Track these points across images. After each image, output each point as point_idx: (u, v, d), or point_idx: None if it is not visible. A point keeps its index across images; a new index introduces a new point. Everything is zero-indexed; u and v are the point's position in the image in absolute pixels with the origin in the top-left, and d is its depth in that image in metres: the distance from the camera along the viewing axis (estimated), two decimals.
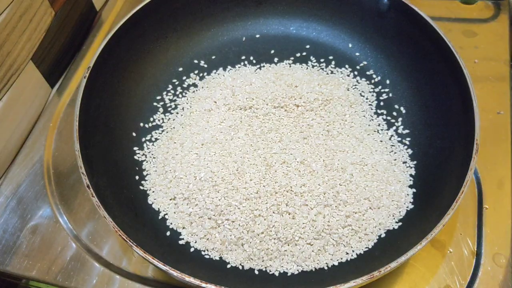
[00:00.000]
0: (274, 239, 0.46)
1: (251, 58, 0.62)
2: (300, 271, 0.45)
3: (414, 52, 0.56)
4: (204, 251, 0.47)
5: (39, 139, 0.59)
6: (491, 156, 0.53)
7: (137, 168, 0.52)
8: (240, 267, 0.46)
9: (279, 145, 0.52)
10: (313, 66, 0.61)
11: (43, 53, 0.61)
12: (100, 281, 0.48)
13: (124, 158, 0.52)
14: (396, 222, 0.48)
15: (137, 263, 0.49)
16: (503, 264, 0.46)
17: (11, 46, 0.55)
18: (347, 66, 0.60)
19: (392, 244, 0.45)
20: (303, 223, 0.47)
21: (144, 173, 0.52)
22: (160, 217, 0.49)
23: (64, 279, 0.48)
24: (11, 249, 0.50)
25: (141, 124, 0.56)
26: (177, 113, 0.57)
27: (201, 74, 0.61)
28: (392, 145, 0.53)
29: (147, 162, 0.53)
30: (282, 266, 0.46)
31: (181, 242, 0.47)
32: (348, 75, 0.60)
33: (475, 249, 0.48)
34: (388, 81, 0.58)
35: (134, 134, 0.55)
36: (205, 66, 0.61)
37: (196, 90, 0.59)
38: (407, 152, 0.53)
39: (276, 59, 0.62)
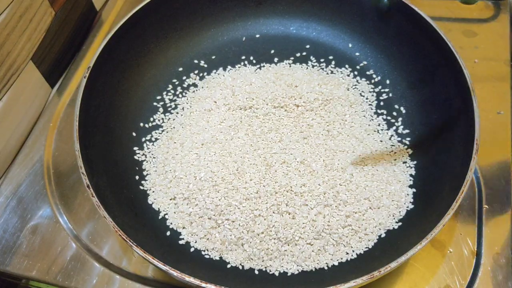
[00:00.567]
0: (274, 239, 0.46)
1: (251, 58, 0.62)
2: (300, 271, 0.45)
3: (414, 52, 0.56)
4: (204, 251, 0.47)
5: (39, 139, 0.59)
6: (491, 156, 0.53)
7: (137, 168, 0.52)
8: (240, 267, 0.46)
9: (279, 145, 0.52)
10: (313, 66, 0.61)
11: (43, 53, 0.61)
12: (100, 281, 0.48)
13: (124, 158, 0.52)
14: (396, 222, 0.48)
15: (137, 263, 0.49)
16: (503, 264, 0.46)
17: (11, 46, 0.55)
18: (347, 66, 0.60)
19: (392, 244, 0.45)
20: (303, 223, 0.47)
21: (144, 173, 0.52)
22: (160, 217, 0.49)
23: (64, 279, 0.48)
24: (11, 249, 0.50)
25: (141, 124, 0.56)
26: (177, 113, 0.57)
27: (201, 74, 0.61)
28: (392, 145, 0.53)
29: (147, 162, 0.53)
30: (282, 266, 0.46)
31: (181, 242, 0.47)
32: (348, 75, 0.60)
33: (475, 249, 0.48)
34: (388, 81, 0.58)
35: (134, 134, 0.55)
36: (205, 66, 0.61)
37: (196, 90, 0.59)
38: (407, 152, 0.53)
39: (276, 59, 0.62)
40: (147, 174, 0.52)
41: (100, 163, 0.48)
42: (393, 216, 0.48)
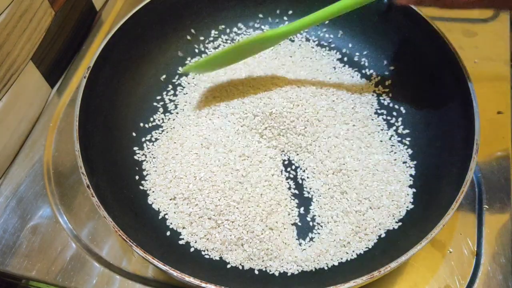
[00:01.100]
0: (274, 239, 0.46)
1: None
2: (300, 271, 0.45)
3: (414, 52, 0.56)
4: (204, 251, 0.47)
5: (39, 139, 0.59)
6: (491, 156, 0.53)
7: (137, 168, 0.52)
8: (240, 267, 0.46)
9: (279, 146, 0.52)
10: None
11: (43, 53, 0.61)
12: (100, 281, 0.48)
13: (124, 158, 0.52)
14: (396, 222, 0.48)
15: (137, 263, 0.49)
16: (503, 264, 0.46)
17: (11, 46, 0.55)
18: (347, 66, 0.60)
19: (392, 244, 0.45)
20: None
21: (144, 173, 0.52)
22: (160, 217, 0.49)
23: (64, 279, 0.48)
24: (11, 249, 0.50)
25: (141, 124, 0.56)
26: (177, 113, 0.57)
27: (201, 74, 0.61)
28: (392, 145, 0.53)
29: (147, 162, 0.53)
30: (282, 266, 0.46)
31: (181, 242, 0.47)
32: (348, 75, 0.60)
33: (475, 249, 0.48)
34: (388, 81, 0.58)
35: (134, 134, 0.55)
36: None
37: (196, 90, 0.59)
38: (407, 152, 0.53)
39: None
40: (147, 174, 0.52)
41: (100, 163, 0.48)
42: (393, 216, 0.48)
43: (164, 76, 0.60)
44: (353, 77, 0.59)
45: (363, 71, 0.60)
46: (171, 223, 0.48)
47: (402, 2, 0.47)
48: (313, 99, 0.54)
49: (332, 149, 0.52)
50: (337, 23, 0.62)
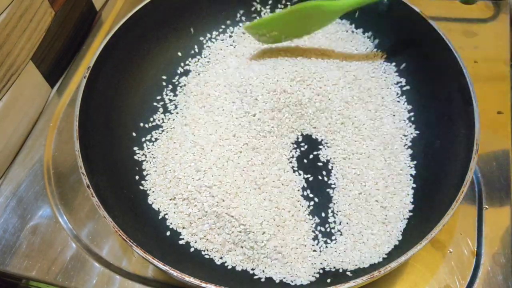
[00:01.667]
0: (274, 239, 0.46)
1: None
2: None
3: (414, 52, 0.56)
4: (204, 251, 0.47)
5: (39, 139, 0.59)
6: (491, 156, 0.53)
7: (137, 168, 0.52)
8: (240, 268, 0.46)
9: (280, 146, 0.52)
10: None
11: (43, 53, 0.61)
12: (100, 281, 0.48)
13: (124, 158, 0.52)
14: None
15: (137, 263, 0.49)
16: (503, 264, 0.46)
17: (11, 46, 0.55)
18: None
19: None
20: (304, 223, 0.47)
21: (144, 173, 0.52)
22: (160, 217, 0.49)
23: (64, 279, 0.48)
24: (11, 249, 0.50)
25: (141, 124, 0.56)
26: (177, 113, 0.57)
27: (201, 74, 0.61)
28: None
29: (147, 162, 0.53)
30: (282, 267, 0.45)
31: (181, 242, 0.47)
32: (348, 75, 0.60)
33: (475, 249, 0.48)
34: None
35: (134, 134, 0.55)
36: (206, 66, 0.61)
37: (196, 90, 0.59)
38: (407, 152, 0.53)
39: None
40: (147, 174, 0.52)
41: (100, 163, 0.48)
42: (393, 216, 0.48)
43: (164, 76, 0.60)
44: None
45: None
46: (171, 223, 0.48)
47: None
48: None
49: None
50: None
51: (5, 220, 0.52)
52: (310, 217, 0.48)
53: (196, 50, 0.62)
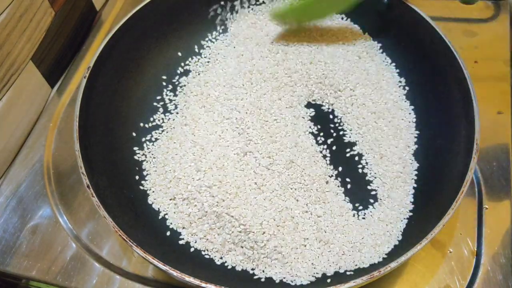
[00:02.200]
0: (274, 239, 0.46)
1: None
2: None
3: (414, 52, 0.56)
4: (204, 251, 0.47)
5: (39, 139, 0.59)
6: (491, 156, 0.53)
7: (137, 168, 0.52)
8: (240, 268, 0.46)
9: (280, 147, 0.52)
10: None
11: (43, 53, 0.61)
12: (100, 281, 0.48)
13: (124, 158, 0.52)
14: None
15: (137, 263, 0.49)
16: (503, 264, 0.46)
17: (11, 46, 0.55)
18: None
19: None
20: (303, 224, 0.47)
21: (144, 173, 0.52)
22: (160, 217, 0.49)
23: (64, 279, 0.48)
24: (11, 249, 0.50)
25: (141, 124, 0.56)
26: (177, 113, 0.57)
27: (201, 74, 0.61)
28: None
29: (147, 162, 0.53)
30: (282, 268, 0.45)
31: (181, 242, 0.47)
32: None
33: (475, 249, 0.48)
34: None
35: (134, 134, 0.55)
36: (206, 66, 0.61)
37: (196, 90, 0.59)
38: (407, 152, 0.52)
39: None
40: (147, 174, 0.52)
41: (100, 163, 0.48)
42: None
43: (164, 76, 0.60)
44: None
45: None
46: (171, 223, 0.48)
47: None
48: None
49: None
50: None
51: (5, 220, 0.52)
52: (311, 215, 0.48)
53: (196, 50, 0.62)
